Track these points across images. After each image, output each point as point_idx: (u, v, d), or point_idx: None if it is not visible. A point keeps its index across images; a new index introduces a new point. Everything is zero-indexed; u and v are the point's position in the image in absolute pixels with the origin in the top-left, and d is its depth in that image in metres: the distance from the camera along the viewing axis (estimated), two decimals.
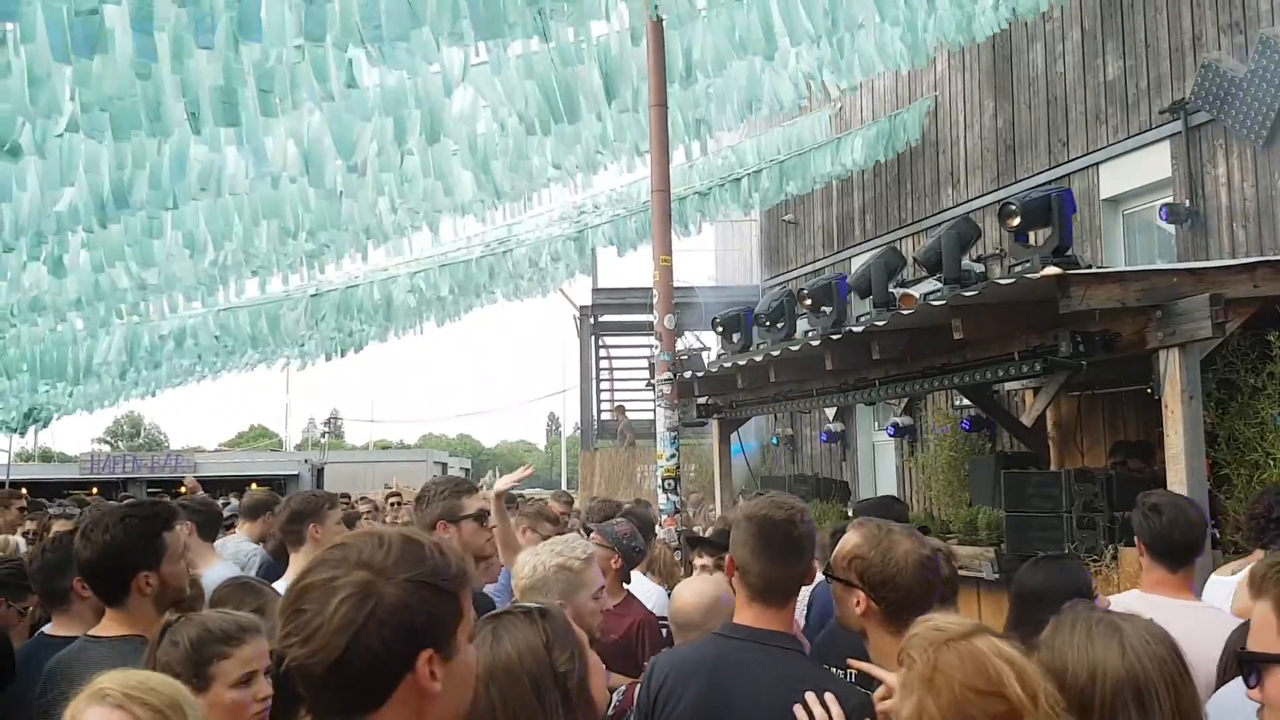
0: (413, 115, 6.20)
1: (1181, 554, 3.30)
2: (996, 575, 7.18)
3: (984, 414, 10.43)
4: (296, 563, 4.28)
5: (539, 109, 6.77)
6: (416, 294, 11.74)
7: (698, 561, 4.97)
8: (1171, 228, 9.23)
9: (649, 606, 4.47)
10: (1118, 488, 6.95)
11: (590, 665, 2.26)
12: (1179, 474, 5.35)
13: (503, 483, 4.52)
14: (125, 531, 2.84)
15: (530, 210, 10.62)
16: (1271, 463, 5.39)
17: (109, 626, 2.86)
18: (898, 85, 13.56)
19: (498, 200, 8.88)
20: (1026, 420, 9.85)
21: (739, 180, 12.90)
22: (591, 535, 5.15)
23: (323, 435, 64.14)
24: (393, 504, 11.60)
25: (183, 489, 10.43)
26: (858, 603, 2.48)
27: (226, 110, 5.48)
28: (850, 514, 8.11)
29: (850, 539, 2.55)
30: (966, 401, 10.60)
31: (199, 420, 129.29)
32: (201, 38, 4.26)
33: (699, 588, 3.45)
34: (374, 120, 6.31)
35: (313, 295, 11.42)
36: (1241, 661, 1.46)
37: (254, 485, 16.77)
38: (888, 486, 13.04)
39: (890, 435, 12.70)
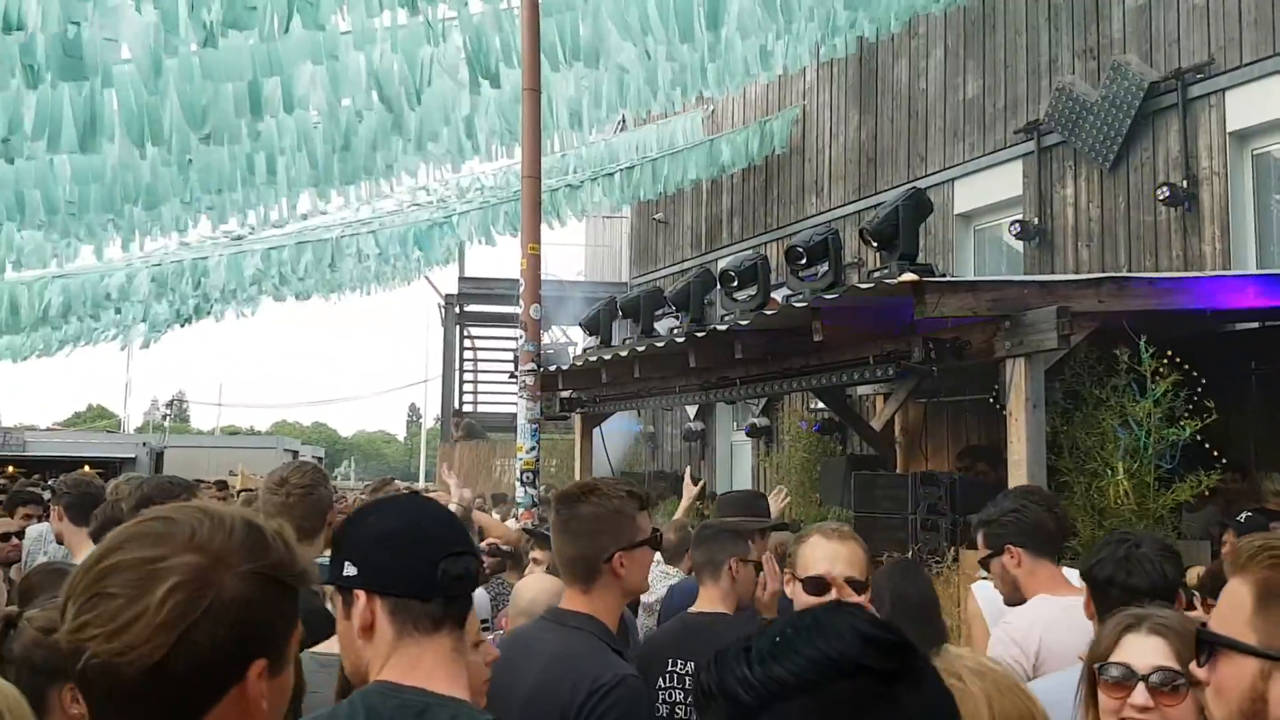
0: (271, 82, 5.91)
1: None
2: None
3: (836, 417, 10.69)
4: None
5: (405, 86, 6.56)
6: (272, 270, 11.25)
7: (534, 554, 4.85)
8: (1020, 244, 9.63)
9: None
10: (961, 491, 7.18)
11: None
12: (1021, 479, 5.53)
13: None
14: None
15: (395, 193, 10.33)
16: (1109, 471, 5.64)
17: None
18: (768, 93, 13.78)
19: (362, 178, 8.58)
20: (876, 424, 10.13)
21: (611, 175, 12.88)
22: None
23: (164, 418, 61.05)
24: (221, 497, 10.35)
25: (10, 470, 9.68)
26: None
27: (69, 64, 5.11)
28: (715, 508, 8.16)
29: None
30: (821, 405, 10.83)
31: (34, 397, 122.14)
32: None
33: (543, 584, 3.37)
34: (229, 87, 5.98)
35: (155, 265, 10.81)
36: (1199, 639, 1.43)
37: (86, 467, 15.82)
38: (744, 485, 13.22)
39: (748, 435, 12.94)
